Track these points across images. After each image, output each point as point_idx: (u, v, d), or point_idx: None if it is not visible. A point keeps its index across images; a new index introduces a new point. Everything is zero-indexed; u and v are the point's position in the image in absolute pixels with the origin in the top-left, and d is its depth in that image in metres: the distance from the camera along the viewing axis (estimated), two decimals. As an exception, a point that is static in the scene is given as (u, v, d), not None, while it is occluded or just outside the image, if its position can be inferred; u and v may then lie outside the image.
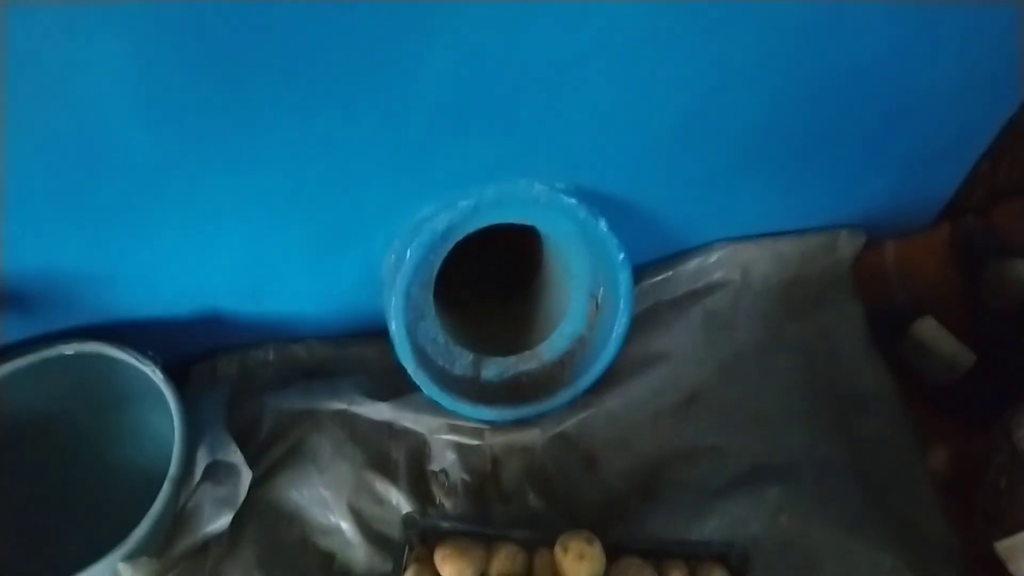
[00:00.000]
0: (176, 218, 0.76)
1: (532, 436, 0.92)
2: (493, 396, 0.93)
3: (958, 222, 1.07)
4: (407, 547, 0.76)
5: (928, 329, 0.96)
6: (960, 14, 0.76)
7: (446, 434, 0.92)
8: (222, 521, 0.81)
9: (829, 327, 0.99)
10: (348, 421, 0.93)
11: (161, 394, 0.83)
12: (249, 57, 0.61)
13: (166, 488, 0.77)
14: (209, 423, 0.86)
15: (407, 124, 0.71)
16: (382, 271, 0.87)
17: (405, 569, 0.74)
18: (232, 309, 0.93)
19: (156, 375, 0.83)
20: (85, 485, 0.93)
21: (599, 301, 0.93)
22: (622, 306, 0.88)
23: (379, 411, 0.93)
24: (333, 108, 0.67)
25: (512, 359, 0.96)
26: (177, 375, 0.88)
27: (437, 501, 0.89)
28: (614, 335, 0.89)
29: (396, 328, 0.84)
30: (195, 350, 0.99)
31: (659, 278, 1.00)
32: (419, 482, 0.90)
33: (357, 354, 1.02)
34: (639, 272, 0.94)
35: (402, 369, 0.87)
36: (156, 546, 0.80)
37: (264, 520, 0.87)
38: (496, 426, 0.92)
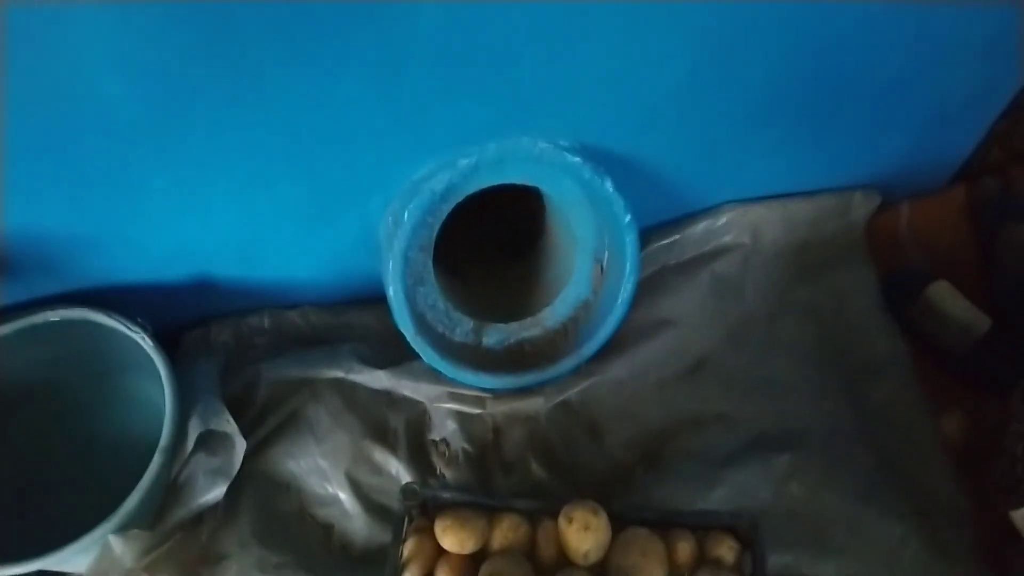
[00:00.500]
0: (164, 177, 0.75)
1: (535, 405, 0.92)
2: (495, 363, 0.92)
3: (975, 183, 1.06)
4: (407, 518, 0.75)
5: (942, 293, 0.95)
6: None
7: (446, 403, 0.92)
8: (216, 492, 0.81)
9: (841, 291, 0.98)
10: (346, 389, 0.93)
11: (152, 362, 0.82)
12: (236, 3, 0.59)
13: (157, 458, 0.76)
14: (202, 392, 0.85)
15: (403, 75, 0.69)
16: (379, 234, 0.86)
17: (404, 540, 0.74)
18: (225, 274, 0.92)
19: (146, 342, 0.82)
20: (76, 455, 0.92)
21: (604, 265, 0.92)
22: (628, 270, 0.87)
23: (378, 379, 0.93)
24: (324, 58, 0.65)
25: (514, 325, 0.95)
26: (169, 342, 0.88)
27: (437, 471, 0.89)
28: (620, 300, 0.89)
29: (394, 293, 0.83)
30: (187, 316, 0.98)
31: (666, 241, 0.99)
32: (419, 452, 0.90)
33: (355, 321, 1.01)
34: (645, 236, 0.94)
35: (401, 336, 0.86)
36: (148, 518, 0.80)
37: (260, 491, 0.87)
38: (498, 394, 0.92)
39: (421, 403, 0.93)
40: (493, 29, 0.67)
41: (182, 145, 0.71)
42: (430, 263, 0.87)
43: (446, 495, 0.76)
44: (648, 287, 0.96)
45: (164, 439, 0.77)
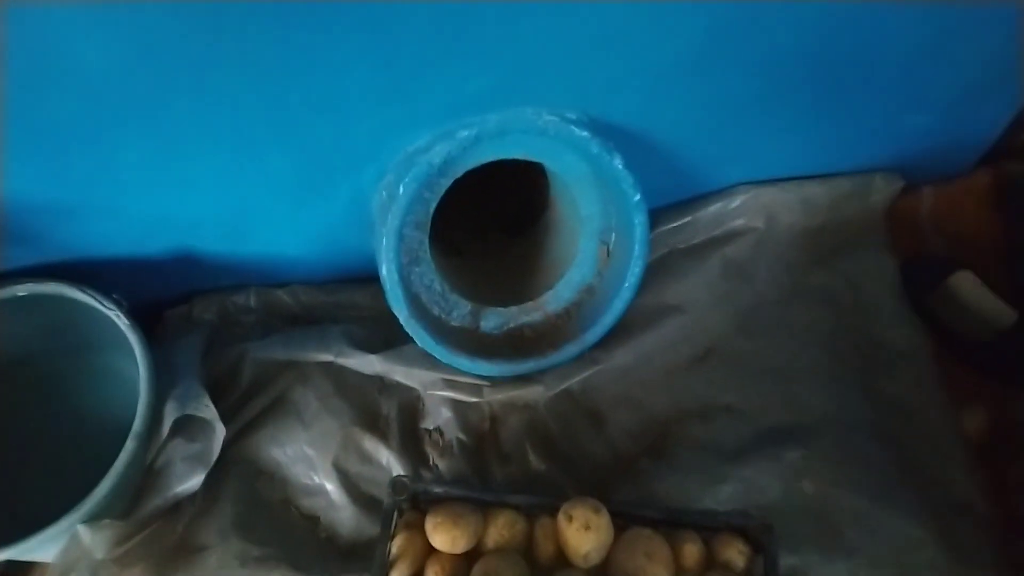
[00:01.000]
0: (142, 143, 0.71)
1: (534, 393, 0.90)
2: (493, 349, 0.90)
3: (1001, 167, 1.02)
4: (396, 513, 0.73)
5: (965, 284, 0.92)
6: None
7: (441, 389, 0.90)
8: (194, 481, 0.79)
9: (858, 279, 0.96)
10: (335, 373, 0.91)
11: (128, 340, 0.79)
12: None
13: (129, 445, 0.74)
14: (182, 373, 0.83)
15: (398, 38, 0.65)
16: (372, 209, 0.84)
17: (393, 536, 0.72)
18: (208, 248, 0.90)
19: (121, 320, 0.79)
20: (51, 435, 0.91)
21: (610, 247, 0.90)
22: (636, 252, 0.85)
23: (369, 363, 0.91)
24: (313, 18, 0.62)
25: (514, 309, 0.93)
26: (151, 320, 0.86)
27: (431, 461, 0.87)
28: (626, 284, 0.87)
29: (387, 272, 0.81)
30: (170, 292, 0.97)
31: (675, 224, 0.97)
32: (411, 441, 0.89)
33: (346, 300, 1.00)
34: (653, 217, 0.90)
35: (394, 318, 0.84)
36: (121, 506, 0.77)
37: (243, 479, 0.85)
38: (495, 381, 0.90)
39: (414, 389, 0.91)
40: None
41: (161, 108, 0.67)
42: (426, 241, 0.85)
43: (438, 489, 0.73)
44: (655, 271, 0.94)
45: (137, 424, 0.75)
